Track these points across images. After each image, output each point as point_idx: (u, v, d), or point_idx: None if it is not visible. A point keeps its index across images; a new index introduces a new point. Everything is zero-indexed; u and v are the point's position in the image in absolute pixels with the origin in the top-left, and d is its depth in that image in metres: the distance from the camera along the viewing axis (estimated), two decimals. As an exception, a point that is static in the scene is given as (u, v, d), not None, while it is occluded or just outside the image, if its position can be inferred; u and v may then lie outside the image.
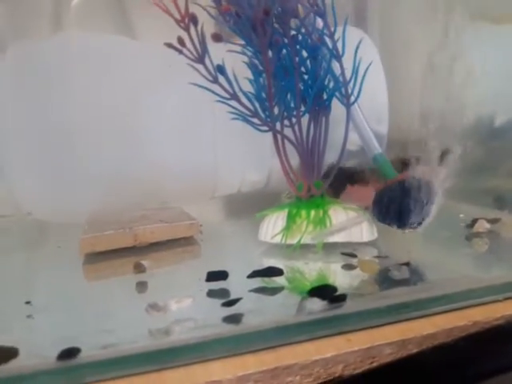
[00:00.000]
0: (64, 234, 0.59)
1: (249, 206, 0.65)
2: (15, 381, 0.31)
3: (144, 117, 0.58)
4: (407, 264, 0.43)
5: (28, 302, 0.41)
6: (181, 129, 0.60)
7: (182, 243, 0.54)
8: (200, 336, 0.35)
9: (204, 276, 0.44)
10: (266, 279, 0.44)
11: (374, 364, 0.35)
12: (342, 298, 0.38)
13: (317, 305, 0.38)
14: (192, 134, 0.60)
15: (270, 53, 0.46)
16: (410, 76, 0.69)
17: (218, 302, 0.40)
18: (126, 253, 0.52)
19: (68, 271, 0.50)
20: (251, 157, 0.62)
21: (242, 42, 0.48)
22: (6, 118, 0.55)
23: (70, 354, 0.32)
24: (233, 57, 0.48)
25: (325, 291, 0.39)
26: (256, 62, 0.47)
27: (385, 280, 0.43)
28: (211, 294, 0.42)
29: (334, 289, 0.39)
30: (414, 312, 0.38)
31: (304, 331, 0.36)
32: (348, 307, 0.38)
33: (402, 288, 0.41)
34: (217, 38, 0.47)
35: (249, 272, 0.45)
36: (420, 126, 0.64)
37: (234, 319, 0.37)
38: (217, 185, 0.64)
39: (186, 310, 0.39)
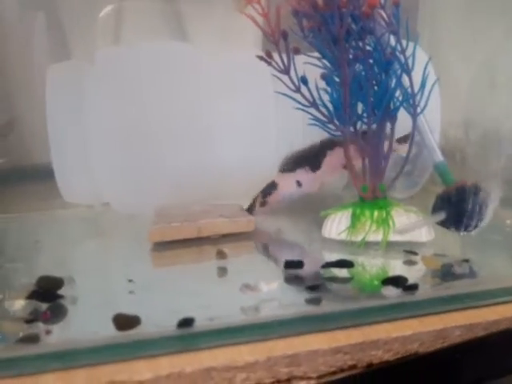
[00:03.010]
0: (138, 224, 0.64)
1: (302, 204, 0.69)
2: (142, 344, 0.36)
3: (210, 118, 0.63)
4: (467, 261, 0.48)
5: (130, 280, 0.46)
6: (244, 131, 0.65)
7: (240, 237, 0.59)
8: (290, 313, 0.40)
9: (274, 265, 0.51)
10: (334, 270, 0.49)
11: (445, 344, 0.40)
12: (415, 287, 0.43)
13: (392, 292, 0.43)
14: (254, 137, 0.65)
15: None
16: (456, 84, 0.74)
17: (296, 287, 0.46)
18: (189, 243, 0.57)
19: (147, 256, 0.55)
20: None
21: (317, 55, 0.54)
22: (94, 116, 0.60)
23: (187, 322, 0.37)
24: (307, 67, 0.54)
25: (398, 281, 0.44)
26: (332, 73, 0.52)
27: (447, 274, 0.47)
28: (288, 280, 0.47)
29: (406, 279, 0.44)
30: (476, 301, 0.43)
31: (383, 314, 0.41)
32: (419, 295, 0.43)
33: (463, 281, 0.46)
34: (296, 50, 0.52)
35: (313, 264, 0.50)
36: (465, 134, 0.69)
37: (316, 301, 0.42)
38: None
39: (272, 292, 0.44)
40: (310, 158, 0.61)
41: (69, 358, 0.35)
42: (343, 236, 0.54)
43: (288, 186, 0.61)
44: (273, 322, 0.39)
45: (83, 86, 0.60)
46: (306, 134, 0.65)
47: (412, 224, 0.50)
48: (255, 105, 0.65)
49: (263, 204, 0.62)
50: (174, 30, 0.84)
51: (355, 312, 0.40)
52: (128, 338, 0.36)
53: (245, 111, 0.65)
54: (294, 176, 0.61)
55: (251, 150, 0.65)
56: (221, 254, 0.51)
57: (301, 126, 0.63)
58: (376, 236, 0.53)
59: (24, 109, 0.78)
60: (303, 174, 0.61)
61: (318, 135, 0.57)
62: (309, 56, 0.53)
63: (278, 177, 0.62)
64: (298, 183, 0.61)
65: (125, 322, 0.37)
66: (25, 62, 0.77)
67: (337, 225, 0.55)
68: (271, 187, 0.62)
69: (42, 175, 0.65)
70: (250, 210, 0.62)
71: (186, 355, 0.36)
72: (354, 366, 0.38)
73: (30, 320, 0.38)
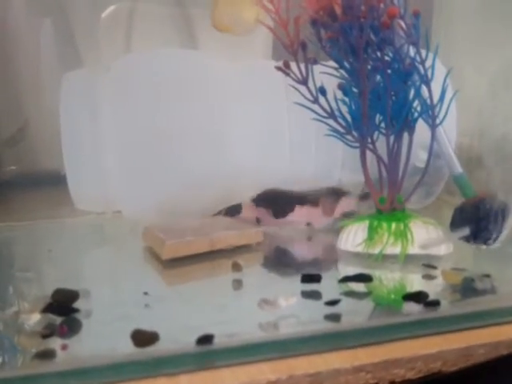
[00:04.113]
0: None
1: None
2: (162, 361, 0.35)
3: (222, 125, 0.63)
4: (488, 276, 0.47)
5: (146, 293, 0.45)
6: (256, 137, 0.64)
7: (249, 248, 0.58)
8: (310, 330, 0.39)
9: (288, 279, 0.50)
10: (350, 284, 0.48)
11: (469, 363, 0.39)
12: (437, 303, 0.42)
13: (414, 308, 0.42)
14: (267, 143, 0.65)
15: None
16: (470, 92, 0.73)
17: (313, 302, 0.44)
18: (200, 255, 0.56)
19: (160, 268, 0.54)
20: (322, 168, 0.67)
21: (333, 65, 0.53)
22: (108, 123, 0.60)
23: (207, 339, 0.36)
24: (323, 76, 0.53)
25: (419, 297, 0.43)
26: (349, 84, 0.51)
27: (468, 290, 0.47)
28: (304, 294, 0.46)
29: (427, 295, 0.43)
30: (499, 318, 0.42)
31: (405, 330, 0.40)
32: (441, 311, 0.42)
33: (485, 297, 0.45)
34: (314, 61, 0.52)
35: (328, 277, 0.49)
36: (480, 143, 0.69)
37: (335, 318, 0.42)
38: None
39: (289, 308, 0.43)
40: (277, 205, 0.63)
41: (87, 376, 0.35)
42: (360, 248, 0.53)
43: (249, 217, 0.64)
44: (293, 340, 0.38)
45: (97, 94, 0.59)
46: (320, 141, 0.64)
47: (434, 239, 0.50)
48: (268, 111, 0.65)
49: None
50: (183, 35, 0.84)
51: (376, 329, 0.39)
52: (147, 354, 0.36)
53: (258, 118, 0.64)
54: (256, 212, 0.64)
55: (263, 156, 0.65)
56: (236, 267, 0.51)
57: (314, 133, 0.63)
58: (393, 249, 0.52)
59: (35, 116, 0.78)
60: (265, 215, 0.63)
61: (331, 143, 0.56)
62: (325, 66, 0.53)
63: (247, 204, 0.64)
64: (258, 220, 0.63)
65: (143, 338, 0.36)
66: (35, 69, 0.77)
67: (353, 237, 0.54)
68: (236, 210, 0.64)
69: (52, 182, 0.65)
70: None
71: (206, 373, 0.35)
72: (376, 385, 0.37)
73: (47, 335, 0.38)
